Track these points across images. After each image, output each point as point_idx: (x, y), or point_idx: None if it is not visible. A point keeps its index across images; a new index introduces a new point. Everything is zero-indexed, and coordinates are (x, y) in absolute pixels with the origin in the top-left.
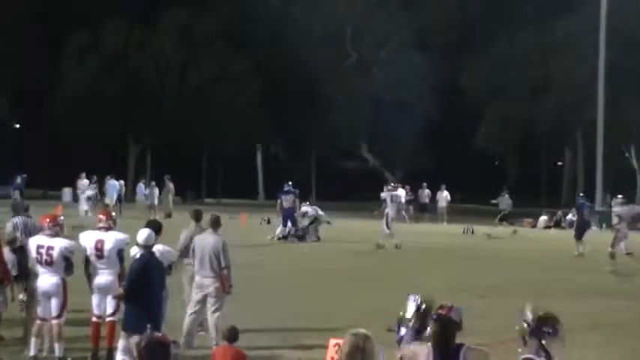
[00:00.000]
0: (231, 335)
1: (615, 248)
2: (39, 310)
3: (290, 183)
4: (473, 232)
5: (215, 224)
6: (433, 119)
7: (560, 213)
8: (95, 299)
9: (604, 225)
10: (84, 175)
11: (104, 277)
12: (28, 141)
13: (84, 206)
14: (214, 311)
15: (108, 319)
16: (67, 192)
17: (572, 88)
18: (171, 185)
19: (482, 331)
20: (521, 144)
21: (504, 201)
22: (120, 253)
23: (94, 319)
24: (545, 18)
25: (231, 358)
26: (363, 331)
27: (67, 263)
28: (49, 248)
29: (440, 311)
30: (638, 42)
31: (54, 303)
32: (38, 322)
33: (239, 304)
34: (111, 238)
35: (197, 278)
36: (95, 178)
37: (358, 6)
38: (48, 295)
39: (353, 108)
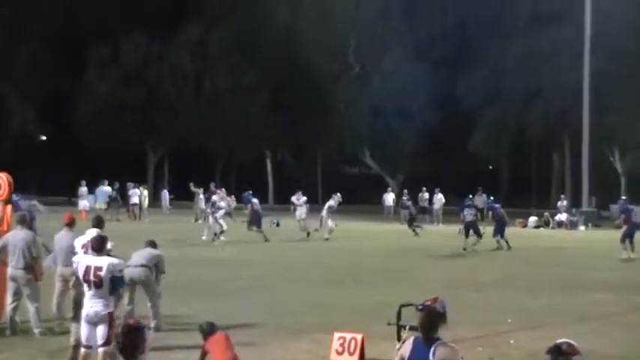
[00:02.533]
0: (210, 328)
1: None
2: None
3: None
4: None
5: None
6: (431, 126)
7: (547, 214)
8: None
9: (589, 225)
10: (105, 182)
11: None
12: (53, 150)
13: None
14: (32, 301)
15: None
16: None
17: (560, 95)
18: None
19: (478, 323)
20: (513, 149)
21: (480, 199)
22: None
23: (83, 349)
24: (535, 29)
25: (225, 338)
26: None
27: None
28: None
29: (426, 302)
30: (621, 50)
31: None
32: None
33: (249, 298)
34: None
35: (10, 271)
36: (117, 184)
37: (361, 19)
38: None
39: (356, 116)
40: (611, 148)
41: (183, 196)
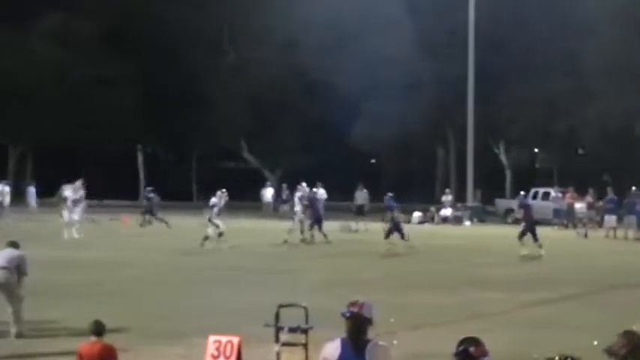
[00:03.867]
0: (97, 329)
1: None
2: None
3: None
4: (350, 230)
5: None
6: (311, 118)
7: (433, 209)
8: None
9: (475, 220)
10: None
11: None
12: None
13: None
14: None
15: None
16: None
17: (442, 88)
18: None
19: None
20: (395, 142)
21: (361, 195)
22: None
23: None
24: (417, 20)
25: (99, 353)
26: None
27: None
28: None
29: (352, 308)
30: (504, 43)
31: None
32: None
33: (121, 301)
34: None
35: None
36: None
37: (235, 4)
38: None
39: (232, 107)
40: (496, 142)
41: (49, 193)
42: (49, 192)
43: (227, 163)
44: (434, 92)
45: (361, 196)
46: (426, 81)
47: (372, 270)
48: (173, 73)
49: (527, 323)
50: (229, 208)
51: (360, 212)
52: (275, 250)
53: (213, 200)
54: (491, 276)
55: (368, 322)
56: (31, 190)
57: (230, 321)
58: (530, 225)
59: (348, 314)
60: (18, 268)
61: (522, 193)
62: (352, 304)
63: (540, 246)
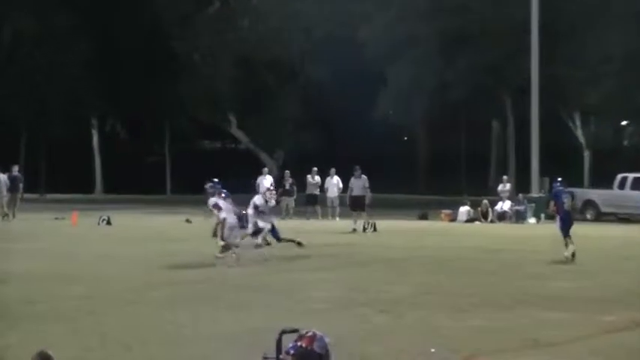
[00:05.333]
0: None
1: None
2: None
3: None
4: (375, 229)
5: None
6: (321, 85)
7: (485, 202)
8: None
9: (541, 216)
10: None
11: None
12: None
13: None
14: None
15: None
16: None
17: (495, 40)
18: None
19: (383, 355)
20: (434, 114)
21: (358, 184)
22: None
23: None
24: None
25: None
26: None
27: None
28: None
29: (299, 343)
30: None
31: None
32: None
33: (69, 326)
34: None
35: None
36: None
37: None
38: None
39: (215, 70)
40: (570, 112)
41: None
42: None
43: (210, 144)
44: (484, 47)
45: (359, 184)
46: (474, 33)
47: (400, 283)
48: (136, 27)
49: (608, 354)
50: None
51: (357, 206)
52: (274, 258)
53: (257, 200)
54: (559, 290)
55: (321, 359)
56: None
57: (215, 350)
58: (563, 219)
59: (292, 350)
60: None
61: (560, 179)
62: (301, 336)
63: (567, 244)
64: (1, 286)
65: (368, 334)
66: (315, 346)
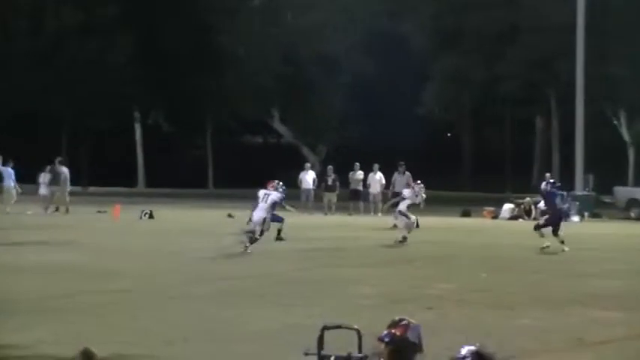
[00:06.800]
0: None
1: None
2: None
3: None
4: (418, 226)
5: None
6: (366, 79)
7: (528, 200)
8: None
9: (586, 214)
10: None
11: None
12: None
13: None
14: None
15: None
16: None
17: (543, 36)
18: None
19: (434, 354)
20: (479, 109)
21: (402, 181)
22: None
23: None
24: None
25: None
26: None
27: None
28: None
29: (393, 330)
30: None
31: None
32: None
33: (108, 321)
34: None
35: None
36: None
37: None
38: None
39: (259, 64)
40: (615, 110)
41: (18, 177)
42: (18, 176)
43: (252, 138)
44: (532, 43)
45: (402, 181)
46: (521, 27)
47: (445, 280)
48: (179, 20)
49: None
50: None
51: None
52: (316, 254)
53: (407, 192)
54: (606, 289)
55: (415, 349)
56: (8, 172)
57: (256, 347)
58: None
59: (387, 338)
60: None
61: (547, 175)
62: (394, 324)
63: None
64: (39, 279)
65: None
66: (410, 335)
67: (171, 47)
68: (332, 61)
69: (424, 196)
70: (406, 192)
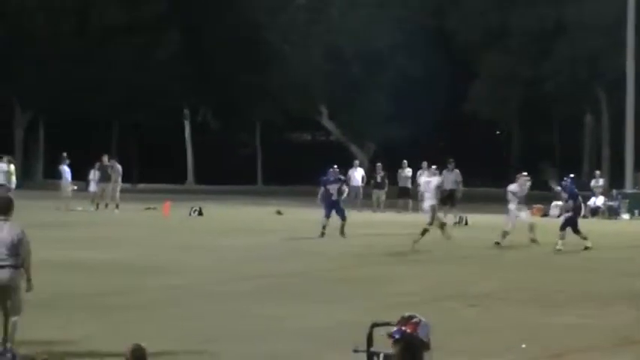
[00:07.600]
0: (138, 357)
1: None
2: None
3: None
4: (467, 224)
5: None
6: (413, 77)
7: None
8: None
9: (636, 212)
10: None
11: None
12: None
13: None
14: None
15: None
16: None
17: (593, 33)
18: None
19: (478, 351)
20: (527, 107)
21: (450, 177)
22: None
23: None
24: None
25: None
26: None
27: None
28: None
29: (403, 327)
30: None
31: None
32: None
33: (152, 318)
34: None
35: None
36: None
37: None
38: None
39: (306, 62)
40: None
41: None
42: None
43: (301, 135)
44: (581, 39)
45: (450, 178)
46: (570, 23)
47: (490, 278)
48: (225, 17)
49: None
50: (303, 195)
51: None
52: (364, 251)
53: (513, 187)
54: None
55: (424, 346)
56: (65, 170)
57: (302, 344)
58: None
59: (397, 335)
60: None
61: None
62: (404, 320)
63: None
64: (88, 276)
65: (456, 328)
66: (420, 333)
67: (218, 44)
68: (377, 59)
69: (529, 184)
70: (512, 187)
